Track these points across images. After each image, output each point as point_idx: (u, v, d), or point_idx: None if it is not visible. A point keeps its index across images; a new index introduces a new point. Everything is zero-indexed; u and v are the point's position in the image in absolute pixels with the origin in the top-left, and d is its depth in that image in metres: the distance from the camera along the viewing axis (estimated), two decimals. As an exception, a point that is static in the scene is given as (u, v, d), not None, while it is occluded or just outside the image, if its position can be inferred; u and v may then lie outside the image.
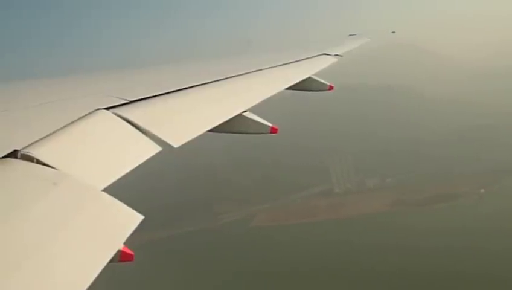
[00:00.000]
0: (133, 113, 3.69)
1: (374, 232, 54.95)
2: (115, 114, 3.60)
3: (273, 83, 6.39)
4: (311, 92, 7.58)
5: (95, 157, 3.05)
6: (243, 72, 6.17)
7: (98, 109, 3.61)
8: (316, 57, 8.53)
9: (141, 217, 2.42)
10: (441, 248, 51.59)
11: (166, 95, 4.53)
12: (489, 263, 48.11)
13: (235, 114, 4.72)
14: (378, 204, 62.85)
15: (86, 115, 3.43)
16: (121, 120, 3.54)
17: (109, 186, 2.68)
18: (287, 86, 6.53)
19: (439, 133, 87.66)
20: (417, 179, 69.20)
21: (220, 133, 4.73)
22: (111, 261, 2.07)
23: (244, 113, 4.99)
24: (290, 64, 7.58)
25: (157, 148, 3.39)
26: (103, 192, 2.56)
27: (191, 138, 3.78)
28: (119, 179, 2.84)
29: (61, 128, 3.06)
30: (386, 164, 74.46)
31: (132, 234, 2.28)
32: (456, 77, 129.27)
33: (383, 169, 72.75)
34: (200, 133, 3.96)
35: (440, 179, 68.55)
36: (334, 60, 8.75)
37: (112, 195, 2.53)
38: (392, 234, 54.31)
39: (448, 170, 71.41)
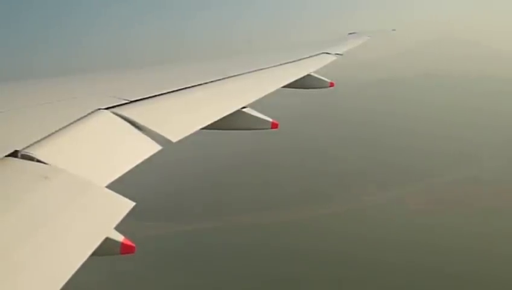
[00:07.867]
0: (133, 113, 3.69)
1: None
2: (115, 114, 3.60)
3: (272, 80, 6.38)
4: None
5: (95, 157, 3.06)
6: (243, 72, 6.16)
7: (99, 109, 3.61)
8: (317, 56, 8.53)
9: (132, 204, 2.47)
10: None
11: (166, 95, 4.53)
12: None
13: (235, 110, 4.74)
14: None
15: (86, 115, 3.43)
16: (121, 120, 3.54)
17: (112, 183, 2.70)
18: (287, 83, 6.52)
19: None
20: None
21: (227, 132, 4.79)
22: (113, 253, 2.15)
23: (244, 110, 5.02)
24: (291, 63, 7.57)
25: (157, 147, 3.40)
26: (94, 182, 2.60)
27: (190, 133, 3.79)
28: (123, 179, 2.86)
29: (62, 128, 3.07)
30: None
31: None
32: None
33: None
34: (199, 127, 3.97)
35: None
36: (335, 58, 8.75)
37: (120, 193, 2.57)
38: None
39: None
